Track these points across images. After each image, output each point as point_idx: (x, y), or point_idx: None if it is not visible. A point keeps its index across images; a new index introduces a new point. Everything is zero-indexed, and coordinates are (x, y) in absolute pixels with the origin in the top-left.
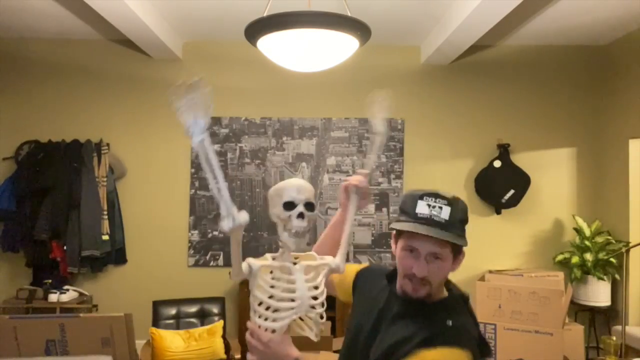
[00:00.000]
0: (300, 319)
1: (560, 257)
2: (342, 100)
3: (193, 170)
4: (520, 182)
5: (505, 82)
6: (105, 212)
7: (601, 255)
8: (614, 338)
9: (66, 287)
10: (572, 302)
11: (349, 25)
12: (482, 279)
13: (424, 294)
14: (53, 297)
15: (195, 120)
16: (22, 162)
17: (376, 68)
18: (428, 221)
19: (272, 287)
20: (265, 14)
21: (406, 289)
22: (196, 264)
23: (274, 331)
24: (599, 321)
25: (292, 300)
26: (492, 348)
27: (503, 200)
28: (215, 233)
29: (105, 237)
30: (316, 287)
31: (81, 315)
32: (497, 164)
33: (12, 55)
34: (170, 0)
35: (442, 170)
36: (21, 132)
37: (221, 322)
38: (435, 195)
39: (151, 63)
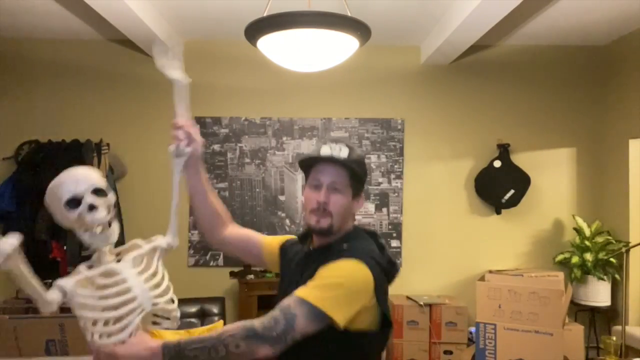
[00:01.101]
0: (151, 314)
1: (560, 257)
2: (342, 100)
3: None
4: (520, 182)
5: (505, 82)
6: None
7: (601, 255)
8: (614, 338)
9: None
10: (572, 302)
11: (349, 25)
12: (482, 279)
13: (327, 224)
14: None
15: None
16: (22, 162)
17: (376, 68)
18: (328, 157)
19: (100, 298)
20: (265, 14)
21: (311, 222)
22: (196, 264)
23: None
24: (599, 321)
25: (131, 300)
26: (492, 348)
27: (503, 200)
28: None
29: None
30: (154, 274)
31: None
32: (497, 164)
33: (12, 55)
34: (170, 0)
35: (442, 170)
36: (21, 132)
37: (221, 322)
38: (336, 142)
39: (151, 63)
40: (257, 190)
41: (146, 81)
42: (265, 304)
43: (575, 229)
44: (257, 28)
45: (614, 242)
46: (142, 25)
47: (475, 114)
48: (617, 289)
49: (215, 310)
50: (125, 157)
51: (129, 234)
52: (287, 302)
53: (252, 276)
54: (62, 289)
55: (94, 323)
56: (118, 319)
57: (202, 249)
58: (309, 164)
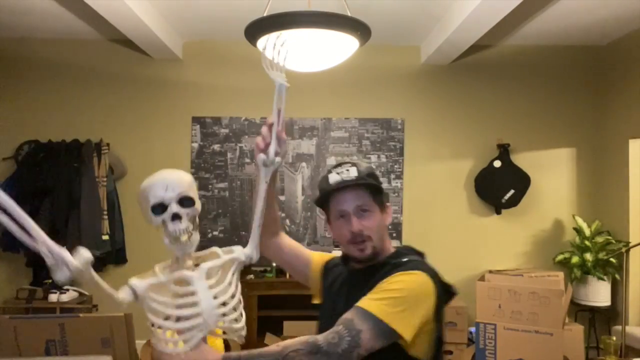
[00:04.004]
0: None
1: (560, 257)
2: (342, 100)
3: (193, 170)
4: (520, 182)
5: (505, 82)
6: (105, 212)
7: (601, 255)
8: (614, 338)
9: (66, 287)
10: (572, 302)
11: (349, 25)
12: (482, 279)
13: (370, 250)
14: (53, 297)
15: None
16: (22, 162)
17: (376, 68)
18: (341, 183)
19: (168, 306)
20: (265, 14)
21: (353, 254)
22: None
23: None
24: (599, 321)
25: (196, 316)
26: (492, 348)
27: (503, 200)
28: (216, 233)
29: (105, 237)
30: (224, 291)
31: (81, 315)
32: (497, 164)
33: (12, 55)
34: (170, 0)
35: (442, 170)
36: (21, 132)
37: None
38: (340, 165)
39: (151, 63)
40: None
41: (146, 81)
42: (265, 304)
43: (575, 229)
44: (257, 28)
45: (614, 242)
46: (142, 25)
47: (475, 114)
48: (617, 289)
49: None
50: (125, 157)
51: (129, 234)
52: (350, 315)
53: (252, 276)
54: (133, 290)
55: (160, 328)
56: (181, 331)
57: (202, 249)
58: (324, 199)
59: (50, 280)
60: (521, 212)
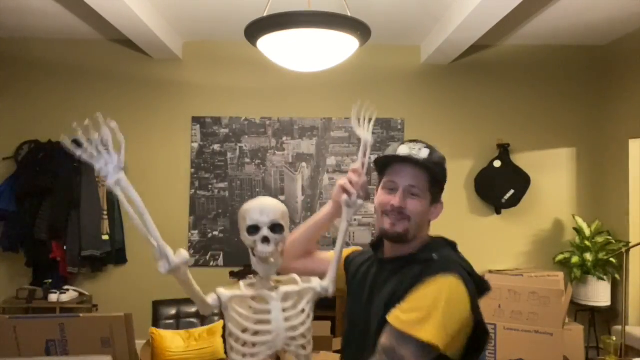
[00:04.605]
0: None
1: (560, 257)
2: (342, 100)
3: (193, 170)
4: (520, 182)
5: (505, 82)
6: (105, 212)
7: (601, 255)
8: (614, 338)
9: (66, 287)
10: (572, 302)
11: (349, 25)
12: None
13: (402, 229)
14: (53, 297)
15: (109, 157)
16: (22, 162)
17: (376, 68)
18: (407, 158)
19: (245, 319)
20: (265, 14)
21: (385, 225)
22: (196, 264)
23: None
24: (599, 321)
25: (266, 333)
26: (492, 348)
27: (503, 200)
28: (215, 233)
29: (105, 237)
30: (296, 316)
31: (81, 315)
32: (497, 164)
33: (12, 55)
34: (170, 0)
35: None
36: (21, 132)
37: (221, 322)
38: (417, 141)
39: (151, 63)
40: (257, 190)
41: (146, 81)
42: None
43: (575, 229)
44: (257, 28)
45: (614, 242)
46: (142, 25)
47: (475, 114)
48: (617, 289)
49: (215, 310)
50: (126, 157)
51: (129, 234)
52: (388, 342)
53: (252, 276)
54: (219, 297)
55: (235, 340)
56: (252, 344)
57: (202, 249)
58: (384, 164)
59: (50, 280)
60: (521, 212)
